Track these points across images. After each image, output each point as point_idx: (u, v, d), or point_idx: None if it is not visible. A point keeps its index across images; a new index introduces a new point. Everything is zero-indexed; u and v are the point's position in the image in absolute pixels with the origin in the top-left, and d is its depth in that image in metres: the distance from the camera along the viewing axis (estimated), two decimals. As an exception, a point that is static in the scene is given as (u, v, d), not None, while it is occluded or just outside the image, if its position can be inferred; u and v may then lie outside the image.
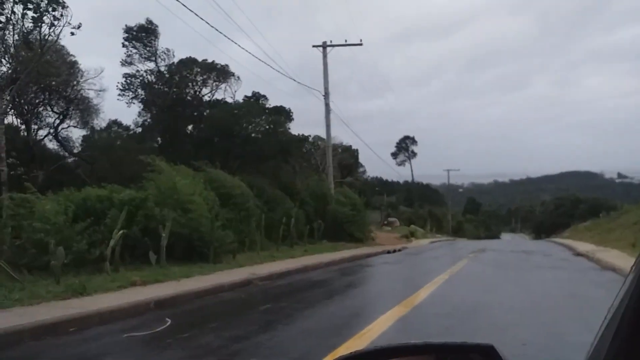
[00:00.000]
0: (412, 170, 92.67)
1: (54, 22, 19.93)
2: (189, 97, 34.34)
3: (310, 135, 41.66)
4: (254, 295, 10.85)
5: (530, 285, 12.08)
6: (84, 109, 29.74)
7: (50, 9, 19.79)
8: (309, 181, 29.92)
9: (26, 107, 26.91)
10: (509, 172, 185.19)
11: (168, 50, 33.89)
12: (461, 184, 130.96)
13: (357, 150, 53.31)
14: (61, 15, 19.66)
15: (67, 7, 19.77)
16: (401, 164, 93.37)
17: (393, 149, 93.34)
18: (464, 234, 76.80)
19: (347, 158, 47.98)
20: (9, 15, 20.06)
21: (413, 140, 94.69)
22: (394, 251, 25.42)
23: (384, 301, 9.55)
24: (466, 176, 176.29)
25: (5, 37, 20.85)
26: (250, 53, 18.04)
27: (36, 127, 28.98)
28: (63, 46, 26.96)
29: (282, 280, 13.25)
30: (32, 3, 19.85)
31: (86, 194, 14.27)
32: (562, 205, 76.00)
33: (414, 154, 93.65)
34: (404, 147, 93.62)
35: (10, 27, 20.67)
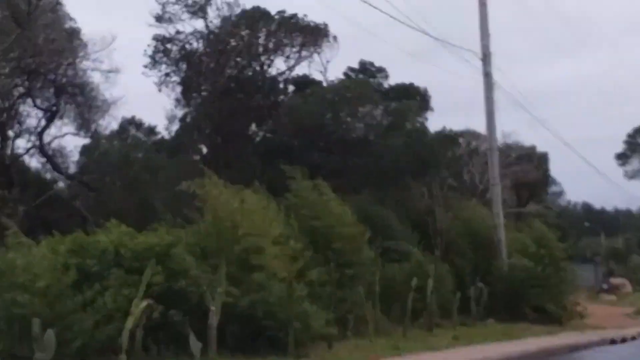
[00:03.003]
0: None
1: None
2: (252, 73, 35.41)
3: (453, 131, 40.58)
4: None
5: None
6: (86, 103, 31.46)
7: None
8: (459, 212, 29.72)
9: (0, 102, 29.15)
10: None
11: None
12: None
13: (546, 155, 51.66)
14: None
15: None
16: (635, 175, 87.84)
17: (613, 150, 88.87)
18: None
19: (529, 170, 46.82)
20: None
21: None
22: (624, 340, 24.24)
23: None
24: None
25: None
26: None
27: (13, 133, 31.18)
28: (61, 4, 29.11)
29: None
30: None
31: (80, 242, 15.06)
32: None
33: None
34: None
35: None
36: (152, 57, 34.93)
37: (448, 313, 23.45)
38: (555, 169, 57.91)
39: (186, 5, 34.64)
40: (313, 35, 35.68)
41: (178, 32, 34.96)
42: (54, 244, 15.22)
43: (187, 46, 35.20)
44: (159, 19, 34.78)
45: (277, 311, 15.36)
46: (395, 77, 39.01)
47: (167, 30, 34.92)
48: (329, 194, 21.32)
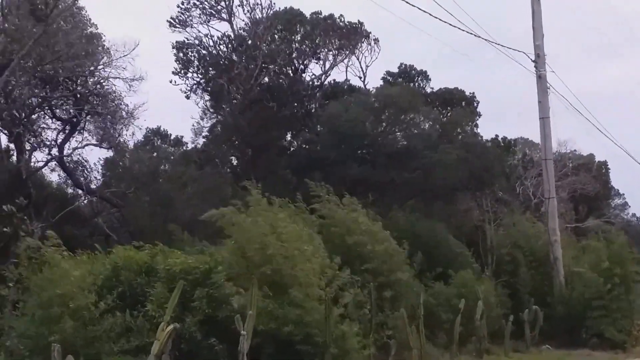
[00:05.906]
0: None
1: None
2: (285, 77, 35.73)
3: (506, 139, 40.68)
4: None
5: None
6: (108, 113, 31.87)
7: None
8: (512, 228, 29.59)
9: (16, 113, 29.39)
10: None
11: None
12: None
13: (605, 164, 51.60)
14: None
15: None
16: None
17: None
18: None
19: (588, 181, 46.39)
20: None
21: None
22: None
23: None
24: None
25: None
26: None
27: (29, 146, 31.46)
28: (81, 9, 29.82)
29: None
30: None
31: (116, 259, 15.81)
32: None
33: None
34: None
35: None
36: (178, 64, 35.29)
37: (499, 338, 23.26)
38: (618, 180, 56.69)
39: (211, 8, 35.10)
40: (350, 37, 35.76)
41: (205, 36, 35.22)
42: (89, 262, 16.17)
43: (214, 52, 35.49)
44: (182, 23, 35.19)
45: (315, 334, 15.56)
46: (437, 81, 38.56)
47: (191, 34, 35.30)
48: (357, 209, 21.43)
